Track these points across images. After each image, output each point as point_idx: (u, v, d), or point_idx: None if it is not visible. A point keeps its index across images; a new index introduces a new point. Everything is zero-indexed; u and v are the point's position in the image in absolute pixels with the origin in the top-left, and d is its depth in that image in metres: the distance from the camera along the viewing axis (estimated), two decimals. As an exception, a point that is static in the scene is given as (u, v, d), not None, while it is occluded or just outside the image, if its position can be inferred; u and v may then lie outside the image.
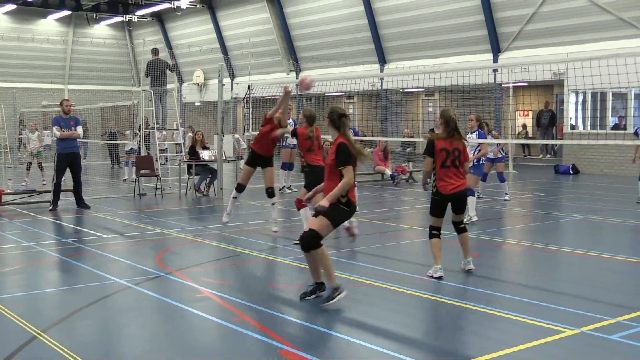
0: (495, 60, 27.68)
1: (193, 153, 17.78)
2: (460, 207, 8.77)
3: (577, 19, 24.98)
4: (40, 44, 44.90)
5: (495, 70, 26.53)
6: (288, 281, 8.57)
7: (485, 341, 6.15)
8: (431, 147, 8.49)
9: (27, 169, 20.76)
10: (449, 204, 8.65)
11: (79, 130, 15.33)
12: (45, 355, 5.83)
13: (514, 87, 27.23)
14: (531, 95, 29.76)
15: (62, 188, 15.18)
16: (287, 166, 18.54)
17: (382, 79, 31.05)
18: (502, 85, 27.56)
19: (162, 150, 21.55)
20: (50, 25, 45.71)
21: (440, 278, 8.29)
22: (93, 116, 36.30)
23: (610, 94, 25.25)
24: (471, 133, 13.18)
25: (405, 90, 32.46)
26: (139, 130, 20.02)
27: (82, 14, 43.91)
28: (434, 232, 8.60)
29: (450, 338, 6.31)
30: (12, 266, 9.50)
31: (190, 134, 24.52)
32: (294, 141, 18.95)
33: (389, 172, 21.07)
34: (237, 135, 26.29)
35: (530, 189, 19.52)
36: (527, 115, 30.85)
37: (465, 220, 13.01)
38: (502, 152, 17.70)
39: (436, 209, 8.63)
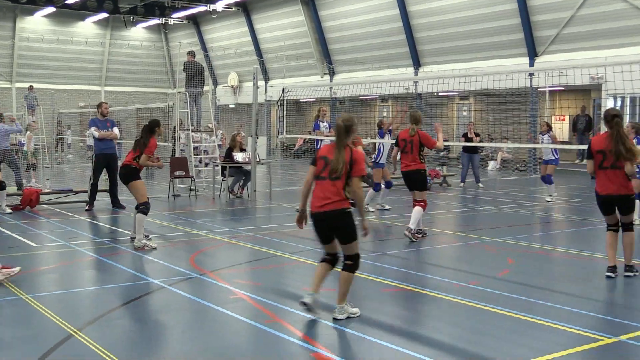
0: (531, 64, 27.49)
1: (228, 155, 17.87)
2: (337, 230, 6.70)
3: (616, 22, 24.72)
4: (78, 46, 45.46)
5: (531, 74, 26.34)
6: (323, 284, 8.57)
7: (519, 348, 6.12)
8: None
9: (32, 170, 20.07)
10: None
11: (116, 131, 15.48)
12: (81, 353, 5.90)
13: (550, 91, 27.02)
14: (568, 100, 29.49)
15: (99, 188, 15.40)
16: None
17: (416, 82, 30.95)
18: (538, 89, 27.33)
19: (196, 150, 21.59)
20: (88, 28, 46.34)
21: (305, 306, 6.73)
22: (129, 117, 36.66)
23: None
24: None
25: (440, 94, 32.31)
26: (173, 133, 20.21)
27: (119, 17, 44.39)
28: (324, 255, 6.98)
29: (484, 344, 6.28)
30: (49, 265, 9.64)
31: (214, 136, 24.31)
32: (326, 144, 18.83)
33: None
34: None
35: (566, 194, 19.35)
36: (564, 119, 30.55)
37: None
38: (554, 154, 17.58)
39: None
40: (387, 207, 15.41)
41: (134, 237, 10.66)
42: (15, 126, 18.18)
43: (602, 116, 8.75)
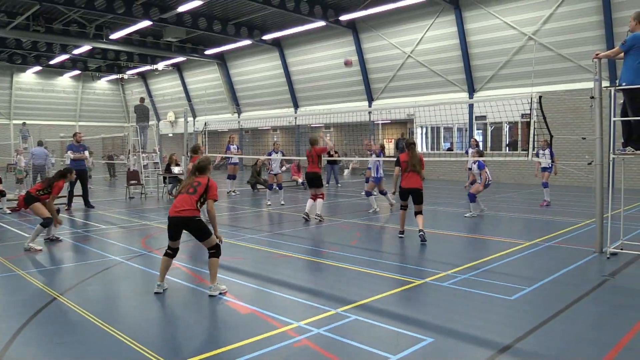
0: (370, 105, 28.23)
1: (167, 169, 17.43)
2: (191, 232, 6.14)
3: (421, 79, 25.75)
4: (58, 94, 43.72)
5: (369, 112, 27.04)
6: (234, 255, 8.49)
7: (363, 290, 6.24)
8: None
9: None
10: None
11: (86, 154, 14.87)
12: (63, 310, 5.60)
13: (382, 123, 27.84)
14: (393, 129, 30.49)
15: (74, 194, 14.66)
16: (233, 177, 18.43)
17: (296, 118, 31.19)
18: (374, 122, 28.11)
19: (145, 167, 20.96)
20: (65, 81, 44.06)
21: (158, 294, 6.14)
22: (96, 144, 35.13)
23: (442, 128, 26.12)
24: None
25: (312, 125, 32.68)
26: (128, 154, 19.51)
27: (88, 73, 42.32)
28: (167, 250, 6.31)
29: (341, 289, 6.36)
30: (35, 252, 9.06)
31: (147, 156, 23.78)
32: (235, 160, 18.73)
33: (300, 180, 21.19)
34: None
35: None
36: (391, 141, 31.56)
37: None
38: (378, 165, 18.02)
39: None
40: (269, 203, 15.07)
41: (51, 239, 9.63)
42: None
43: (405, 142, 9.80)
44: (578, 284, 6.50)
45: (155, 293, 6.19)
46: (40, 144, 17.27)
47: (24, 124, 29.28)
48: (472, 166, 12.87)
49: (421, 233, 9.12)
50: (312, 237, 10.14)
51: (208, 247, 6.17)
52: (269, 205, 14.96)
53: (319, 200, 11.89)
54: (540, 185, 14.67)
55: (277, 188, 15.94)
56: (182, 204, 6.09)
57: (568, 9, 20.34)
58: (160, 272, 6.29)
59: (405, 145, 9.53)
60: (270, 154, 16.30)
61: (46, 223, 9.15)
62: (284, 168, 18.75)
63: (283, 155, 16.53)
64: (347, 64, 22.87)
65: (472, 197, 12.37)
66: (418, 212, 9.34)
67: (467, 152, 17.24)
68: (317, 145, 12.20)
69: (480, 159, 12.68)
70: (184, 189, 6.24)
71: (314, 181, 12.03)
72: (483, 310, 5.55)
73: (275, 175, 16.19)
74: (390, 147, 31.19)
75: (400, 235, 9.60)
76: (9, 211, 13.70)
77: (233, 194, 18.12)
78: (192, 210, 6.07)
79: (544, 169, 14.35)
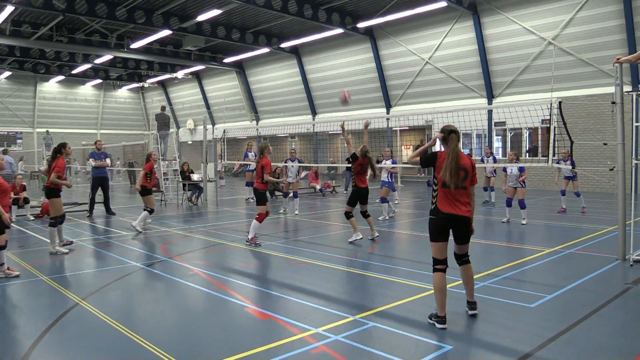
0: (387, 111, 28.18)
1: (184, 176, 17.60)
2: (361, 200, 9.98)
3: (440, 86, 25.66)
4: (80, 102, 44.38)
5: (387, 119, 26.99)
6: (253, 261, 8.53)
7: (382, 297, 6.24)
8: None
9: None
10: None
11: (107, 161, 15.05)
12: (85, 316, 5.68)
13: (400, 130, 27.75)
14: (412, 135, 30.37)
15: (96, 201, 14.85)
16: (251, 184, 18.46)
17: (314, 125, 31.28)
18: (392, 128, 28.05)
19: (165, 174, 21.18)
20: (87, 89, 44.79)
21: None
22: (117, 151, 35.60)
23: (461, 134, 25.94)
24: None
25: (329, 132, 32.72)
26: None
27: (110, 82, 43.06)
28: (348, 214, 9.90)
29: (360, 296, 6.37)
30: (62, 255, 9.20)
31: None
32: (253, 167, 18.84)
33: (318, 186, 21.21)
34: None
35: (412, 196, 19.87)
36: (409, 148, 31.46)
37: None
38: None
39: None
40: (294, 210, 15.24)
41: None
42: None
43: (443, 129, 5.64)
44: (600, 291, 6.40)
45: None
46: (5, 152, 17.43)
47: (47, 132, 29.90)
48: (511, 170, 12.52)
49: (473, 310, 5.54)
50: (329, 244, 10.13)
51: (364, 211, 9.85)
52: (283, 212, 15.01)
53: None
54: (559, 192, 14.45)
55: (293, 196, 15.82)
56: (364, 180, 9.82)
57: (588, 13, 20.12)
58: (353, 224, 9.84)
59: (442, 135, 5.54)
60: (291, 160, 16.16)
61: (54, 223, 9.01)
62: (302, 175, 18.78)
63: (300, 162, 16.22)
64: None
65: (522, 203, 12.13)
66: (463, 258, 5.64)
67: (483, 160, 17.18)
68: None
69: (511, 165, 12.42)
70: (368, 171, 9.81)
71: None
72: (503, 317, 5.50)
73: (291, 183, 15.83)
74: (409, 154, 31.10)
75: (442, 327, 5.18)
76: (32, 218, 13.95)
77: (251, 200, 18.18)
78: (365, 183, 9.81)
79: (570, 178, 14.03)
